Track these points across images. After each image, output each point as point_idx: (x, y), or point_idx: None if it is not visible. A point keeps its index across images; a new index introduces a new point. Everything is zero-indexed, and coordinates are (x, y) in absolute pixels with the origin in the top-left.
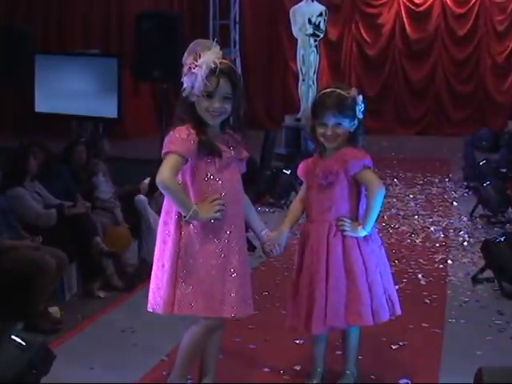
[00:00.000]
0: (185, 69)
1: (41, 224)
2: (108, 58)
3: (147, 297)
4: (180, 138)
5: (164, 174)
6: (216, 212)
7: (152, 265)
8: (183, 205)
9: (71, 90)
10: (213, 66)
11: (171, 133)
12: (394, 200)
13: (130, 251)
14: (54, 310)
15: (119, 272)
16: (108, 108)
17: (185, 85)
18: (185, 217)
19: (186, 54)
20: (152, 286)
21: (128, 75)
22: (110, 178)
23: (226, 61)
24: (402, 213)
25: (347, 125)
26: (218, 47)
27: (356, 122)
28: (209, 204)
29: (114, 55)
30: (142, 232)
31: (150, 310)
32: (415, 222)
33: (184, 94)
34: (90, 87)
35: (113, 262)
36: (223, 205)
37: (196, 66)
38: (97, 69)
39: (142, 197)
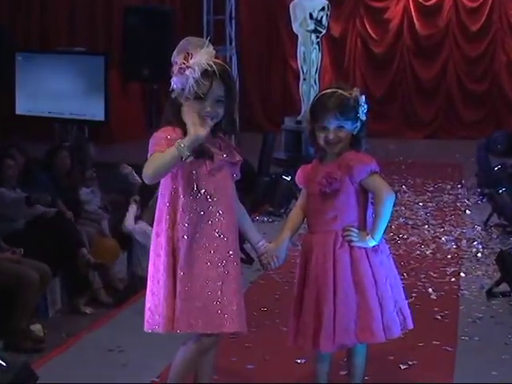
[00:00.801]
0: (174, 69)
1: (13, 214)
2: (94, 56)
3: (137, 313)
4: (166, 138)
5: (147, 170)
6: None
7: (142, 278)
8: (171, 158)
9: (54, 90)
10: (206, 67)
11: (155, 134)
12: (403, 208)
13: (119, 264)
14: (37, 328)
15: (107, 286)
16: (94, 110)
17: (174, 86)
18: (183, 159)
19: (175, 53)
20: (148, 304)
21: (116, 75)
22: (97, 187)
23: (219, 61)
24: (410, 222)
25: (349, 127)
26: (210, 46)
27: (359, 124)
28: (198, 119)
29: (100, 53)
30: (132, 243)
31: (148, 330)
32: (425, 231)
33: (173, 96)
34: (75, 87)
35: (100, 276)
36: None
37: (187, 66)
38: (82, 68)
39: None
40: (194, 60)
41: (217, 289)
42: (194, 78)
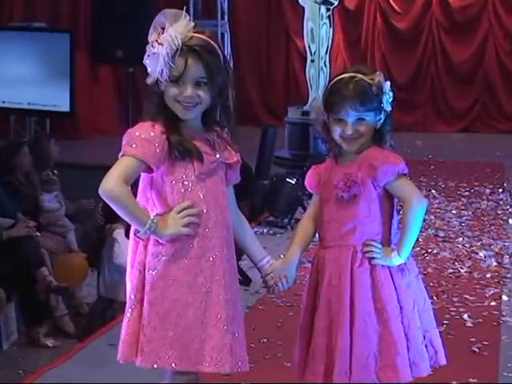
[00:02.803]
0: (148, 48)
1: None
2: (57, 33)
3: (109, 344)
4: (141, 136)
5: (109, 182)
6: (185, 225)
7: (115, 302)
8: (137, 217)
9: (9, 75)
10: (177, 42)
11: (130, 130)
12: (432, 217)
13: (87, 286)
14: None
15: (72, 313)
16: (57, 99)
17: (149, 69)
18: (138, 232)
19: (151, 29)
20: (124, 331)
21: (83, 56)
22: (61, 192)
23: (199, 35)
24: (442, 234)
25: (372, 120)
26: (187, 17)
27: (382, 116)
28: (174, 215)
29: (64, 30)
30: (103, 261)
31: (120, 361)
32: (459, 245)
33: (149, 82)
34: (34, 72)
35: (64, 301)
36: (197, 215)
37: (158, 43)
38: (43, 48)
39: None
40: (165, 34)
41: (198, 317)
42: (163, 56)
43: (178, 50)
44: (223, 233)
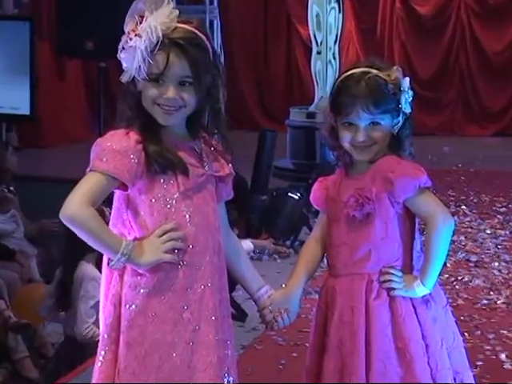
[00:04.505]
0: (123, 40)
1: None
2: (16, 21)
3: None
4: (112, 147)
5: (71, 204)
6: (168, 251)
7: (82, 345)
8: (107, 244)
9: None
10: (158, 33)
11: (99, 140)
12: (463, 238)
13: (52, 323)
14: None
15: (35, 355)
16: (15, 100)
17: (124, 65)
18: (111, 261)
19: (127, 18)
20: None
21: (47, 49)
22: (20, 211)
23: (183, 25)
24: (474, 258)
25: (388, 124)
26: (170, 4)
27: (400, 118)
28: (155, 239)
29: (24, 17)
30: (76, 297)
31: None
32: (495, 272)
33: (124, 79)
34: None
35: (25, 340)
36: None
37: (136, 34)
38: None
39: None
40: (143, 24)
41: (185, 360)
42: (141, 50)
43: (158, 43)
44: (214, 259)
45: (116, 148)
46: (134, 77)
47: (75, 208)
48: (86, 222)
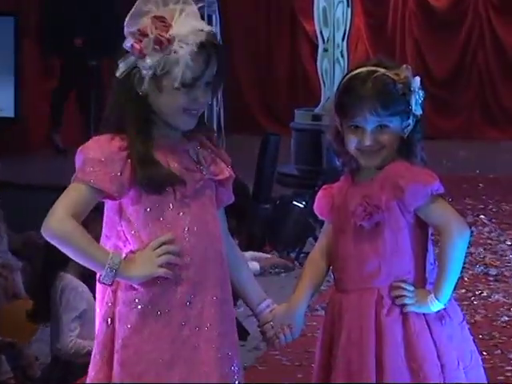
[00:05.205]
0: (136, 43)
1: None
2: None
3: None
4: (96, 156)
5: (52, 218)
6: (161, 265)
7: (72, 363)
8: (92, 257)
9: None
10: (202, 40)
11: (82, 148)
12: (481, 250)
13: (38, 341)
14: None
15: (20, 377)
16: None
17: (144, 71)
18: (100, 276)
19: (128, 18)
20: None
21: (32, 47)
22: (3, 221)
23: (208, 27)
24: (493, 272)
25: (397, 127)
26: (190, 1)
27: (411, 121)
28: (149, 252)
29: (7, 13)
30: (57, 309)
31: None
32: None
33: (142, 88)
34: None
35: (9, 360)
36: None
37: (168, 40)
38: None
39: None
40: (180, 29)
41: (184, 379)
42: (188, 56)
43: (200, 48)
44: (215, 271)
45: (98, 157)
46: (129, 74)
47: (56, 222)
48: (69, 237)
